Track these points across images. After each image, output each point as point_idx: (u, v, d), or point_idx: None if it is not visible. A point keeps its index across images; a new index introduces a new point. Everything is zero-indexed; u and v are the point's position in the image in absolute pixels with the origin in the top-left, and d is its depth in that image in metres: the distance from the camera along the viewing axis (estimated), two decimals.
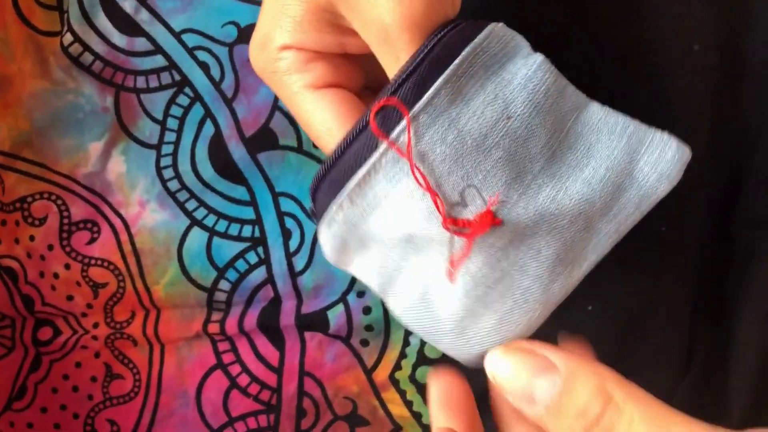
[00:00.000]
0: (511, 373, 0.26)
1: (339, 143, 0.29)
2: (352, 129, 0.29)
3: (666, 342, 0.42)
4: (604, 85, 0.39)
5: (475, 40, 0.28)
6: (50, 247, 0.43)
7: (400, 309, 0.31)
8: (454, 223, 0.28)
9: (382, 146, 0.28)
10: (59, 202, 0.42)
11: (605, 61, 0.39)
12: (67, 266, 0.43)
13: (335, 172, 0.29)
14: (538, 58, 0.29)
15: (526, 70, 0.29)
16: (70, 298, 0.43)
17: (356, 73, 0.32)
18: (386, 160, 0.28)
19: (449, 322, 0.30)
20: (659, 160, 0.29)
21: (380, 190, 0.29)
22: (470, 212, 0.28)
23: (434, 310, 0.30)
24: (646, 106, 0.39)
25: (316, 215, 0.31)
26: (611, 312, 0.42)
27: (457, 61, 0.28)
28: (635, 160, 0.29)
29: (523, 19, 0.36)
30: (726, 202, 0.40)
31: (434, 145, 0.28)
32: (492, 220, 0.28)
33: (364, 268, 0.31)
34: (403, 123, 0.28)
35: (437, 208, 0.28)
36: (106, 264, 0.43)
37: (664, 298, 0.41)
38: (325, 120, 0.30)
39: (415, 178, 0.28)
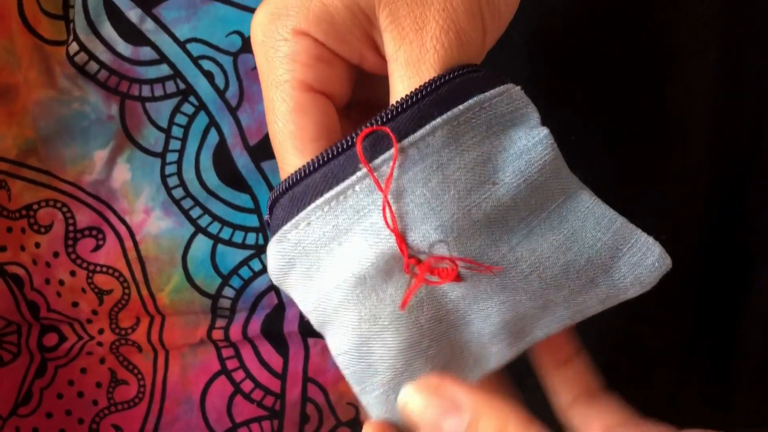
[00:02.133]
0: (421, 409, 0.27)
1: (314, 158, 0.27)
2: (333, 146, 0.27)
3: (668, 347, 0.42)
4: (605, 91, 0.39)
5: (486, 93, 0.27)
6: (56, 254, 0.43)
7: (335, 350, 0.29)
8: (416, 264, 0.26)
9: (360, 172, 0.26)
10: (65, 209, 0.43)
11: (606, 63, 0.39)
12: (73, 273, 0.43)
13: (301, 187, 0.27)
14: (543, 131, 0.28)
15: (526, 142, 0.27)
16: (75, 304, 0.43)
17: (348, 89, 0.30)
18: (360, 187, 0.26)
19: (387, 374, 0.29)
20: (639, 264, 0.28)
21: (344, 221, 0.27)
22: (436, 265, 0.27)
23: (372, 362, 0.28)
24: (646, 111, 0.39)
25: (269, 227, 0.29)
26: (612, 317, 0.42)
27: (461, 107, 0.26)
28: (616, 257, 0.28)
29: (527, 26, 0.36)
30: (726, 207, 0.40)
31: (416, 184, 0.26)
32: (455, 278, 0.27)
33: (303, 300, 0.29)
34: (390, 152, 0.26)
35: (401, 249, 0.26)
36: (111, 271, 0.43)
37: (665, 302, 0.41)
38: (304, 125, 0.28)
39: (384, 212, 0.26)
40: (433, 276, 0.26)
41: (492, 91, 0.27)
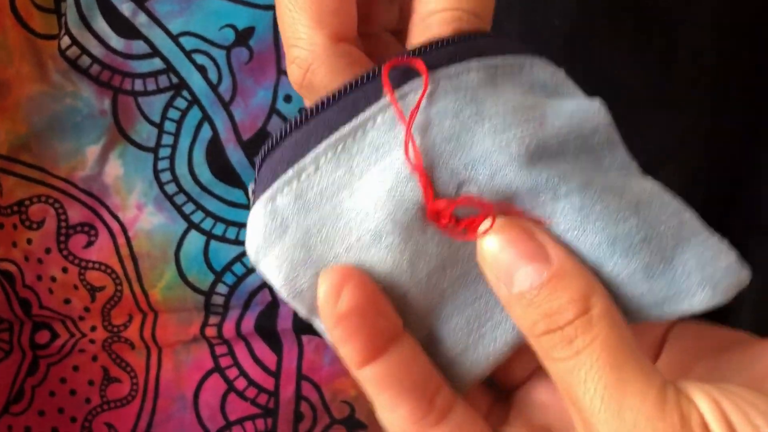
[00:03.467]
0: (499, 247, 0.22)
1: (325, 96, 0.23)
2: (349, 81, 0.23)
3: None
4: (606, 88, 0.39)
5: (527, 57, 0.24)
6: (48, 251, 0.43)
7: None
8: (441, 214, 0.23)
9: (383, 100, 0.22)
10: (57, 205, 0.42)
11: (607, 64, 0.39)
12: (65, 270, 0.43)
13: (309, 127, 0.23)
14: (597, 101, 0.25)
15: (579, 105, 0.24)
16: (67, 301, 0.43)
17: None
18: (383, 119, 0.23)
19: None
20: (710, 263, 0.23)
21: (359, 163, 0.23)
22: (463, 212, 0.23)
23: None
24: (647, 110, 0.39)
25: (255, 189, 0.24)
26: None
27: (500, 58, 0.23)
28: (680, 248, 0.23)
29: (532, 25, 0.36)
30: (725, 208, 0.40)
31: (444, 116, 0.22)
32: (477, 230, 0.22)
33: (293, 279, 0.23)
34: (419, 80, 0.22)
35: (423, 191, 0.22)
36: (103, 267, 0.43)
37: None
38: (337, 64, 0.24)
39: (406, 146, 0.22)
40: (461, 228, 0.23)
41: (534, 59, 0.24)
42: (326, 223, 0.23)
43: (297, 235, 0.23)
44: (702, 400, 0.21)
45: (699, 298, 0.23)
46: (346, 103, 0.23)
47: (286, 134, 0.23)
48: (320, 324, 0.25)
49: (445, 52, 0.23)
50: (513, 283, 0.22)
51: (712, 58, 0.39)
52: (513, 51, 0.24)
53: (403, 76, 0.23)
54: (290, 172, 0.22)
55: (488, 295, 0.24)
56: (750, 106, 0.39)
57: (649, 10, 0.39)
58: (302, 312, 0.24)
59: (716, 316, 0.41)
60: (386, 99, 0.22)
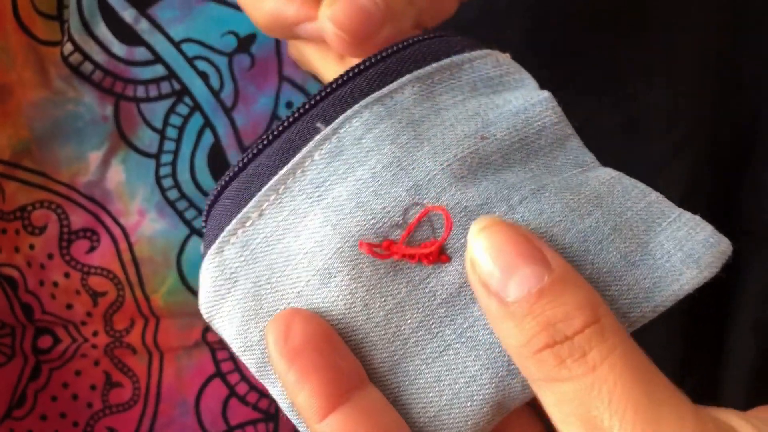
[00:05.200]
0: (492, 248, 0.19)
1: (266, 133, 0.23)
2: (288, 115, 0.23)
3: (664, 349, 0.42)
4: (603, 93, 0.39)
5: (465, 54, 0.24)
6: (50, 256, 0.43)
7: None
8: (387, 248, 0.21)
9: (319, 135, 0.22)
10: (59, 210, 0.42)
11: (608, 66, 0.39)
12: (67, 275, 0.43)
13: (250, 170, 0.22)
14: (543, 93, 0.24)
15: (524, 101, 0.23)
16: (69, 306, 0.43)
17: None
18: (320, 155, 0.22)
19: None
20: (687, 238, 0.22)
21: (302, 203, 0.22)
22: (414, 241, 0.22)
23: None
24: (645, 114, 0.39)
25: (204, 243, 0.23)
26: None
27: (434, 65, 0.23)
28: (653, 231, 0.22)
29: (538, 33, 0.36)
30: (722, 212, 0.40)
31: (383, 142, 0.22)
32: (438, 256, 0.21)
33: (244, 333, 0.22)
34: (352, 109, 0.22)
35: (369, 252, 0.21)
36: (105, 273, 0.43)
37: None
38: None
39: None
40: (406, 258, 0.21)
41: (473, 53, 0.24)
42: (275, 270, 0.22)
43: (246, 287, 0.22)
44: (745, 427, 0.19)
45: (687, 276, 0.21)
46: (281, 144, 0.22)
47: (227, 183, 0.22)
48: (273, 381, 0.23)
49: (375, 72, 0.23)
50: (508, 291, 0.19)
51: (713, 60, 0.39)
52: (451, 50, 0.24)
53: (336, 106, 0.22)
54: (234, 222, 0.22)
55: (458, 344, 0.21)
56: (747, 113, 0.39)
57: (650, 13, 0.39)
58: (252, 368, 0.23)
59: (715, 320, 0.41)
60: (321, 134, 0.22)
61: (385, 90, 0.22)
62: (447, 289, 0.21)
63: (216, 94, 0.41)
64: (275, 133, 0.22)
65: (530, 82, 0.24)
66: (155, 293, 0.43)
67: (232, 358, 0.45)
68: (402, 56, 0.23)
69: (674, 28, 0.39)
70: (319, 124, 0.22)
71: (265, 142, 0.22)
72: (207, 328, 0.44)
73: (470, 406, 0.21)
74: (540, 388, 0.20)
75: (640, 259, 0.21)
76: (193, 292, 0.43)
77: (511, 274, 0.19)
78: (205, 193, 0.42)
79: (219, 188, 0.23)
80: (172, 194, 0.42)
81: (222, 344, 0.44)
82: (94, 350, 0.44)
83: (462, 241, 0.21)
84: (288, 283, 0.22)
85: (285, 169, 0.22)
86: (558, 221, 0.21)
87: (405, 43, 0.23)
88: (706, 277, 0.21)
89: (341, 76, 0.23)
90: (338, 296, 0.21)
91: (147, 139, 0.42)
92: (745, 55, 0.38)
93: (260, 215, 0.22)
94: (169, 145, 0.42)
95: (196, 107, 0.42)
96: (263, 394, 0.45)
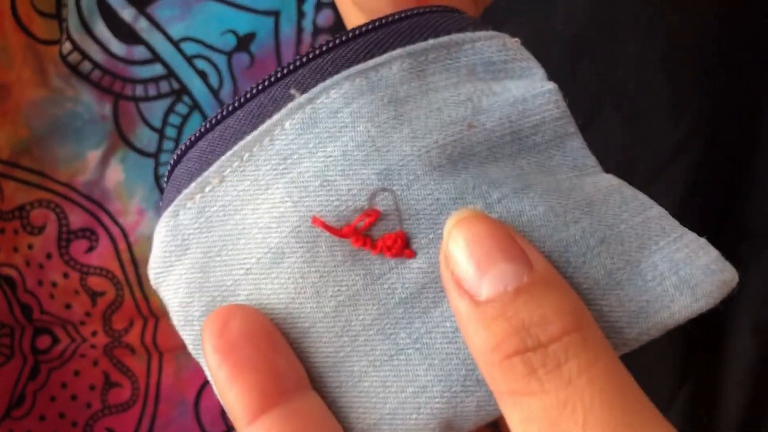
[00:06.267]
0: (471, 240, 0.17)
1: (239, 95, 0.21)
2: (264, 77, 0.21)
3: (665, 351, 0.42)
4: (602, 97, 0.39)
5: (468, 34, 0.22)
6: (49, 256, 0.43)
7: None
8: (351, 238, 0.19)
9: (293, 102, 0.20)
10: (58, 210, 0.42)
11: (608, 69, 0.39)
12: (66, 275, 0.43)
13: (215, 133, 0.21)
14: (547, 85, 0.22)
15: (525, 91, 0.21)
16: (68, 306, 0.43)
17: None
18: (291, 124, 0.20)
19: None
20: (685, 262, 0.19)
21: (265, 173, 0.20)
22: (378, 230, 0.20)
23: None
24: (644, 117, 0.39)
25: (161, 205, 0.22)
26: None
27: (431, 42, 0.21)
28: (647, 249, 0.19)
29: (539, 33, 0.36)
30: (721, 214, 0.40)
31: (359, 118, 0.20)
32: (402, 250, 0.19)
33: (187, 305, 0.21)
34: (332, 79, 0.20)
35: (325, 229, 0.19)
36: (104, 273, 0.43)
37: None
38: None
39: None
40: (367, 248, 0.19)
41: (477, 33, 0.22)
42: (227, 242, 0.20)
43: (196, 256, 0.20)
44: None
45: (679, 304, 0.19)
46: (252, 108, 0.21)
47: (192, 143, 0.21)
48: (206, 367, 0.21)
49: (363, 42, 0.21)
50: (481, 289, 0.17)
51: (713, 62, 0.39)
52: (453, 26, 0.22)
53: (315, 74, 0.20)
54: (193, 185, 0.20)
55: (412, 350, 0.19)
56: (749, 112, 0.39)
57: (650, 14, 0.39)
58: (189, 346, 0.21)
59: (713, 324, 0.41)
60: (295, 102, 0.20)
61: (371, 63, 0.20)
62: (408, 288, 0.20)
63: (215, 93, 0.41)
64: (248, 96, 0.21)
65: (538, 72, 0.22)
66: (154, 293, 0.43)
67: None
68: (397, 28, 0.21)
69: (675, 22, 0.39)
70: (293, 91, 0.20)
71: (236, 104, 0.21)
72: None
73: (415, 418, 0.19)
74: (505, 403, 0.17)
75: (627, 279, 0.19)
76: None
77: (486, 271, 0.17)
78: None
79: (184, 147, 0.21)
80: None
81: None
82: (93, 350, 0.44)
83: (431, 236, 0.20)
84: (238, 258, 0.20)
85: (252, 135, 0.20)
86: (539, 226, 0.19)
87: (404, 14, 0.22)
88: (702, 308, 0.19)
89: (327, 42, 0.21)
90: (288, 278, 0.20)
91: (146, 138, 0.42)
92: (746, 51, 0.38)
93: (221, 181, 0.20)
94: (168, 145, 0.42)
95: (195, 106, 0.41)
96: None
